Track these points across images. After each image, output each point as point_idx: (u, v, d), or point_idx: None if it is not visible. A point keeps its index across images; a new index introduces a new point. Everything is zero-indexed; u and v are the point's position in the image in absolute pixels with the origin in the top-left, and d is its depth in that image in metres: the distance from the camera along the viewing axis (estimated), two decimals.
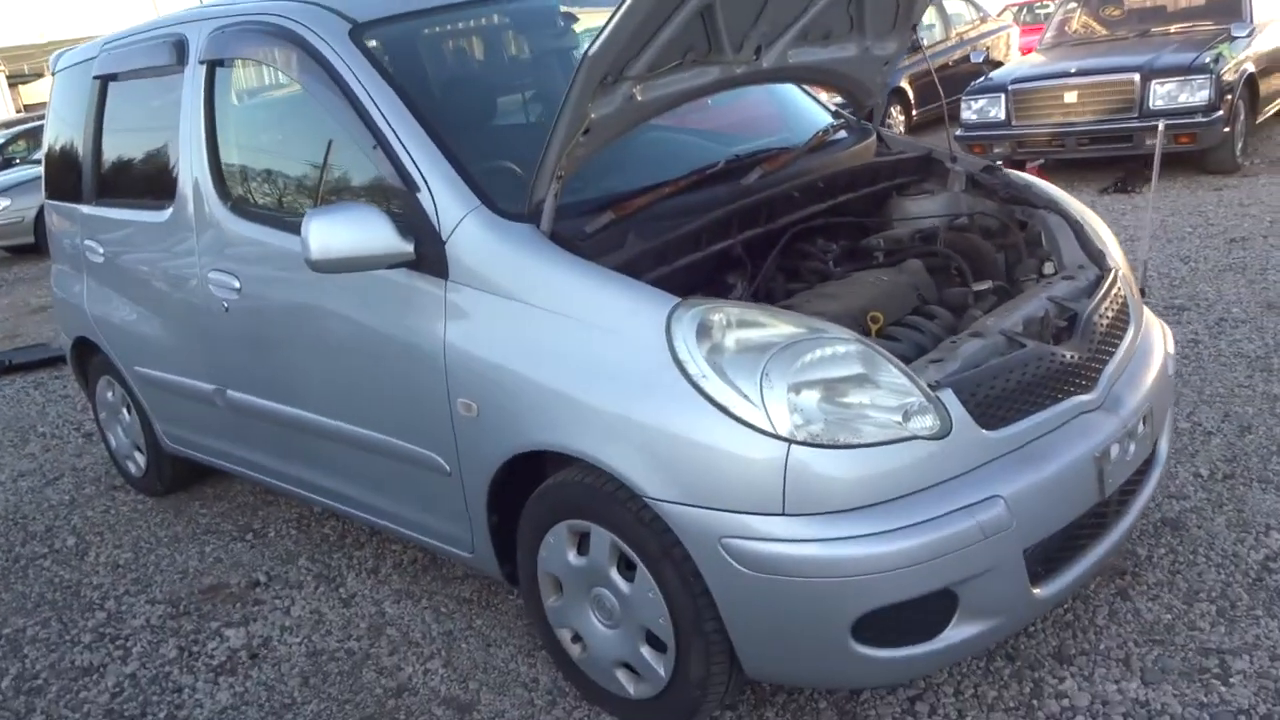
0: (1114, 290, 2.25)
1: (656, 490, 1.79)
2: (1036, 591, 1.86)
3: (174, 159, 2.97)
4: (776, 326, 1.81)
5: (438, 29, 2.67)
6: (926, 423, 1.74)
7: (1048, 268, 2.38)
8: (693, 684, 1.91)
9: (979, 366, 1.88)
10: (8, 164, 12.55)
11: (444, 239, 2.11)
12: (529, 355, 1.98)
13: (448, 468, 2.23)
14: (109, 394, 3.74)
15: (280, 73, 2.59)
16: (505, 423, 2.03)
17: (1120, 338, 2.18)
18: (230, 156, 2.81)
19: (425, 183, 2.16)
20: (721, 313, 1.82)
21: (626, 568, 1.96)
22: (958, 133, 7.07)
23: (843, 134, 2.77)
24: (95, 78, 3.41)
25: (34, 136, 12.34)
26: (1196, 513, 2.59)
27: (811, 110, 2.97)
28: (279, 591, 2.89)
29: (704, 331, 1.79)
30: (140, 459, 3.68)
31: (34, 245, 10.05)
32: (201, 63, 2.83)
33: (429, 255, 2.13)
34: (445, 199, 2.13)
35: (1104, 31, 7.59)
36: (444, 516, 2.34)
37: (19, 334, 7.04)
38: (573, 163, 2.01)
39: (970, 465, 1.78)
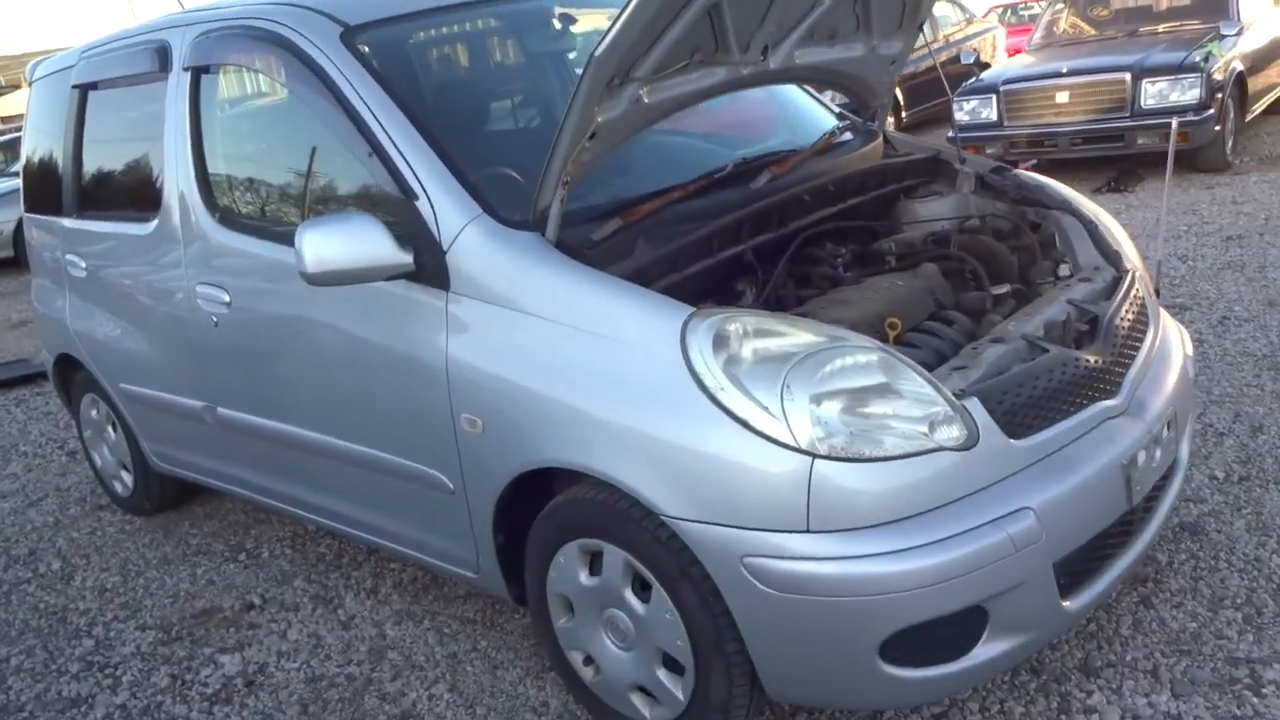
0: (1133, 291, 2.20)
1: (674, 508, 1.72)
2: (1066, 604, 1.80)
3: (158, 170, 2.88)
4: (795, 335, 1.74)
5: (433, 31, 2.59)
6: (953, 433, 1.68)
7: (1063, 270, 2.33)
8: (713, 707, 1.84)
9: (1003, 373, 1.82)
10: None
11: (444, 249, 2.04)
12: (536, 369, 1.90)
13: (451, 485, 2.15)
14: (93, 412, 3.64)
15: (269, 79, 2.51)
16: (512, 439, 1.96)
17: (1141, 340, 2.13)
18: (217, 166, 2.72)
19: (424, 191, 2.08)
20: (738, 322, 1.76)
21: (641, 588, 1.89)
22: (949, 134, 7.05)
23: (848, 135, 2.72)
24: (74, 87, 3.31)
25: (12, 149, 12.16)
26: (1215, 517, 2.54)
27: (814, 111, 2.91)
28: (274, 614, 2.80)
29: (720, 342, 1.72)
30: (127, 478, 3.57)
31: (14, 259, 9.89)
32: (186, 69, 2.75)
33: (429, 266, 2.06)
34: (445, 207, 2.05)
35: (1092, 32, 7.60)
36: (447, 535, 2.26)
37: None
38: (579, 168, 1.94)
39: (998, 476, 1.72)
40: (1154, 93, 6.24)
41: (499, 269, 1.98)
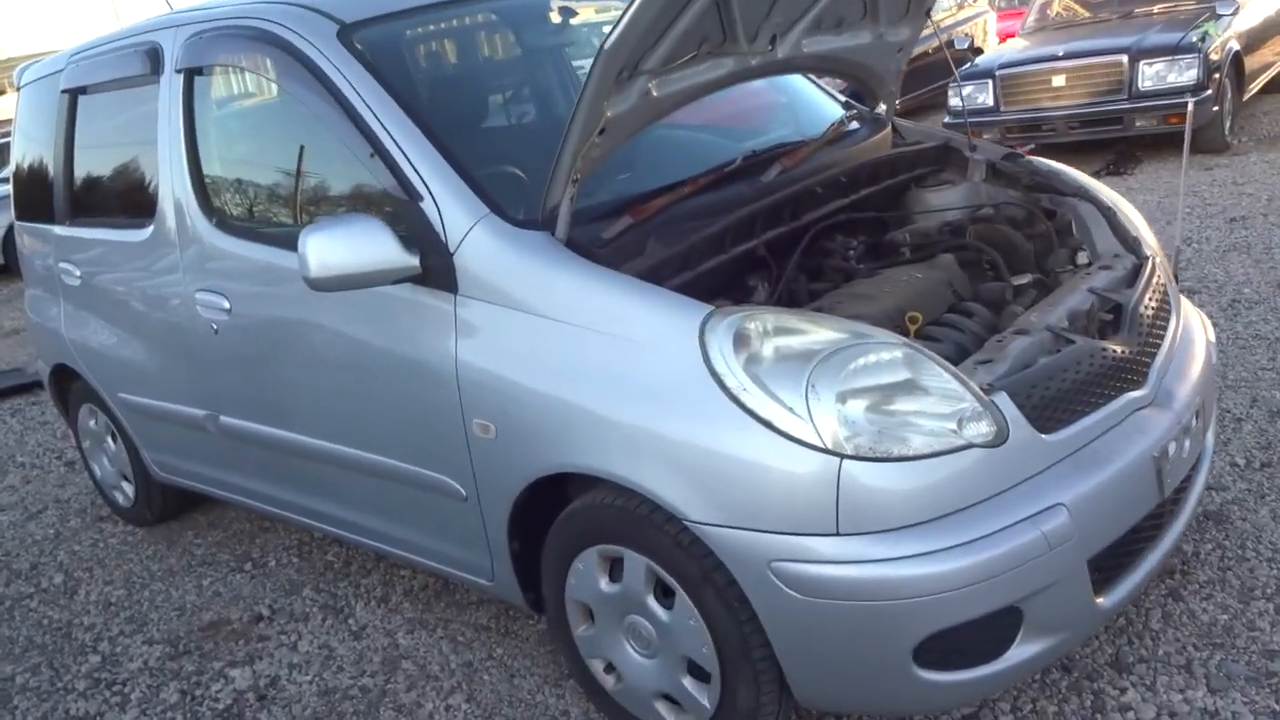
0: (1155, 278, 2.15)
1: (697, 513, 1.67)
2: (1100, 601, 1.76)
3: (152, 174, 2.81)
4: (817, 333, 1.69)
5: (431, 28, 2.53)
6: (982, 429, 1.64)
7: (1081, 257, 2.28)
8: (741, 715, 1.79)
9: (1029, 366, 1.78)
10: None
11: (451, 250, 1.98)
12: (550, 372, 1.85)
13: (464, 492, 2.10)
14: (92, 422, 3.58)
15: (264, 79, 2.45)
16: (526, 444, 1.91)
17: (1165, 328, 2.08)
18: (213, 170, 2.66)
19: (428, 191, 2.03)
20: (758, 320, 1.71)
21: (664, 594, 1.84)
22: (945, 120, 7.00)
23: (856, 125, 2.66)
24: (64, 91, 3.24)
25: (0, 154, 12.05)
26: (1239, 504, 2.51)
27: (818, 100, 2.86)
28: (284, 625, 2.75)
29: (741, 341, 1.67)
30: (128, 489, 3.51)
31: (4, 266, 9.79)
32: (178, 71, 2.68)
33: (436, 268, 2.00)
34: (451, 208, 2.00)
35: (1086, 14, 7.54)
36: (460, 543, 2.21)
37: None
38: (588, 165, 1.89)
39: (1029, 472, 1.68)
40: (1151, 74, 6.19)
41: (508, 270, 1.93)
